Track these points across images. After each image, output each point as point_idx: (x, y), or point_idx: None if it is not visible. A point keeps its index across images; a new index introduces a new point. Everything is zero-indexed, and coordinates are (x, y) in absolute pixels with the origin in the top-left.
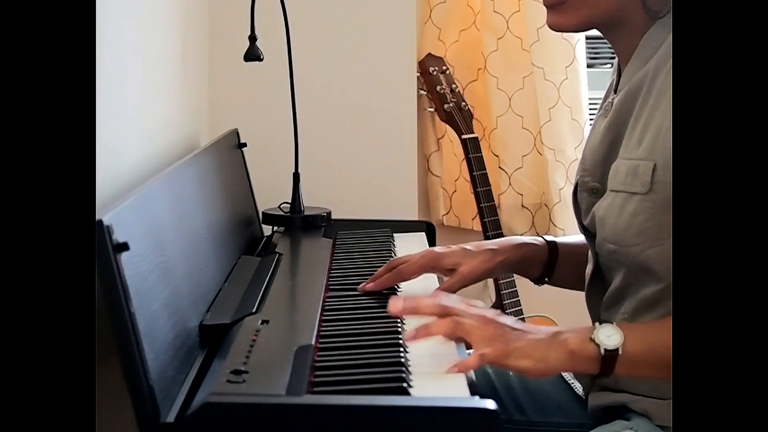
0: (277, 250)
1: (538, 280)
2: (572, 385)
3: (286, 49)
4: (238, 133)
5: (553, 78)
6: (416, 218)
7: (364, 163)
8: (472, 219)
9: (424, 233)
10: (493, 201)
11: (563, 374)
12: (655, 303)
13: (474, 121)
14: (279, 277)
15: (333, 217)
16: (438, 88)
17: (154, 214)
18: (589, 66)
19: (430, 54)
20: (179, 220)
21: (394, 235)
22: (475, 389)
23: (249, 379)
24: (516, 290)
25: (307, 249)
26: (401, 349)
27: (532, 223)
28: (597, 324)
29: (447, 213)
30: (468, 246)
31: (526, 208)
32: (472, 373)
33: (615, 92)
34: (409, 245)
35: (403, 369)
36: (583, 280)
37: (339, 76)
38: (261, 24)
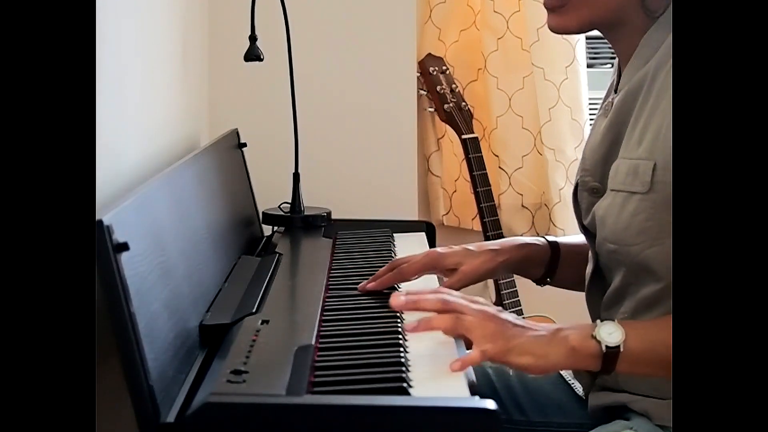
0: (277, 250)
1: (539, 281)
2: (572, 385)
3: (286, 49)
4: (238, 133)
5: (553, 78)
6: (416, 218)
7: (364, 163)
8: (472, 219)
9: (424, 233)
10: (493, 201)
11: (563, 374)
12: (655, 302)
13: (474, 121)
14: (279, 277)
15: (333, 217)
16: (438, 88)
17: (154, 214)
18: (589, 66)
19: (430, 54)
20: (179, 220)
21: (394, 235)
22: (475, 389)
23: (249, 379)
24: (516, 290)
25: (307, 249)
26: (401, 349)
27: (532, 223)
28: (598, 321)
29: (447, 213)
30: (470, 246)
31: (526, 208)
32: (472, 373)
33: (615, 92)
34: (409, 245)
35: (403, 369)
36: (584, 281)
37: (339, 76)
38: (261, 24)
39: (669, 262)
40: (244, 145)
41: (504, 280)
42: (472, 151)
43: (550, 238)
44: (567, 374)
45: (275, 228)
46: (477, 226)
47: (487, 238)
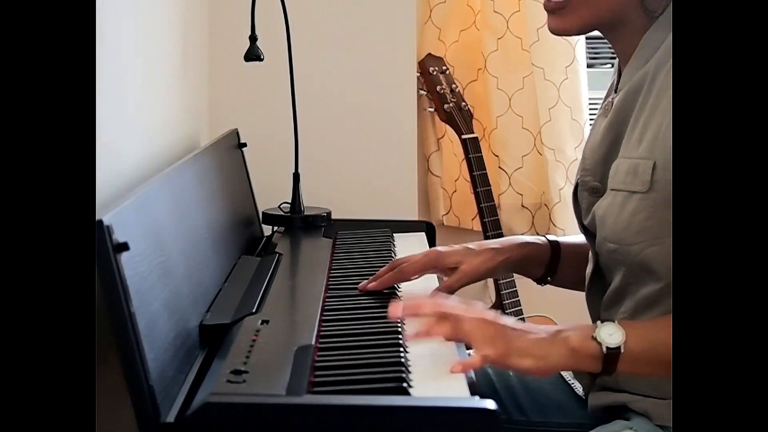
0: (277, 250)
1: (540, 280)
2: (572, 385)
3: (286, 49)
4: (238, 133)
5: (553, 78)
6: (416, 218)
7: (364, 163)
8: (472, 219)
9: (424, 233)
10: (493, 201)
11: (563, 374)
12: (655, 302)
13: (474, 121)
14: (279, 277)
15: (333, 217)
16: (438, 88)
17: (154, 214)
18: (589, 66)
19: (430, 54)
20: (179, 220)
21: (394, 235)
22: (475, 389)
23: (249, 379)
24: (516, 290)
25: (307, 249)
26: (401, 349)
27: (532, 223)
28: (598, 322)
29: (447, 213)
30: (470, 245)
31: (526, 208)
32: (472, 373)
33: (615, 92)
34: (409, 245)
35: (403, 369)
36: (585, 280)
37: (339, 76)
38: (261, 24)
39: (669, 262)
40: (244, 145)
41: (504, 280)
42: (472, 151)
43: (551, 238)
44: (567, 374)
45: (275, 228)
46: (477, 226)
47: (487, 238)
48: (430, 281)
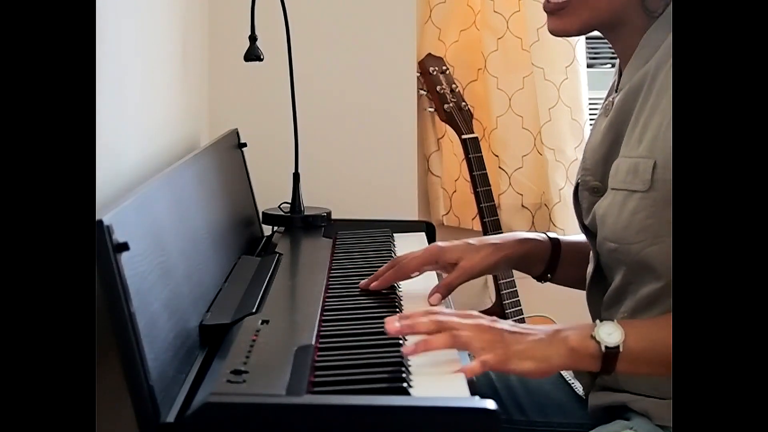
0: (277, 250)
1: (540, 278)
2: (572, 385)
3: (286, 49)
4: (238, 133)
5: (553, 78)
6: (416, 218)
7: (364, 163)
8: (472, 219)
9: (424, 233)
10: (493, 201)
11: (563, 374)
12: (655, 301)
13: (474, 121)
14: (279, 277)
15: (333, 217)
16: (438, 88)
17: (154, 214)
18: (589, 66)
19: (430, 54)
20: (179, 220)
21: (394, 235)
22: (475, 389)
23: (249, 379)
24: (516, 290)
25: (307, 249)
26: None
27: (532, 223)
28: (597, 321)
29: (447, 213)
30: (471, 241)
31: (526, 208)
32: None
33: (616, 92)
34: (409, 245)
35: (403, 369)
36: (585, 279)
37: (339, 76)
38: (261, 24)
39: (669, 261)
40: (244, 145)
41: (504, 280)
42: (472, 151)
43: (552, 235)
44: (567, 374)
45: (275, 228)
46: (477, 226)
47: None
48: (429, 280)
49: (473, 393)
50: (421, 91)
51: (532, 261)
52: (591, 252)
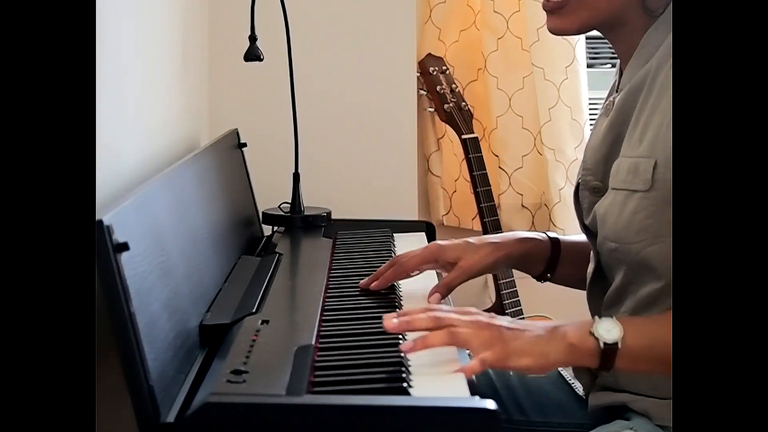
0: (277, 250)
1: (540, 277)
2: (572, 385)
3: (286, 49)
4: (238, 133)
5: (553, 78)
6: (416, 218)
7: (364, 163)
8: (472, 219)
9: (424, 233)
10: (493, 201)
11: (563, 374)
12: (656, 301)
13: (474, 121)
14: (279, 277)
15: (333, 217)
16: (438, 88)
17: (154, 214)
18: (589, 66)
19: (430, 54)
20: (179, 220)
21: (394, 235)
22: (475, 389)
23: (249, 379)
24: (516, 290)
25: (307, 249)
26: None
27: (532, 223)
28: (596, 318)
29: (447, 213)
30: (471, 240)
31: (526, 208)
32: None
33: (617, 91)
34: (409, 245)
35: (403, 369)
36: (585, 279)
37: (339, 76)
38: (261, 24)
39: (669, 261)
40: (244, 145)
41: (504, 280)
42: (472, 151)
43: (551, 234)
44: (567, 374)
45: (275, 228)
46: (477, 226)
47: None
48: (429, 279)
49: (473, 393)
50: (421, 91)
51: (531, 260)
52: (591, 252)
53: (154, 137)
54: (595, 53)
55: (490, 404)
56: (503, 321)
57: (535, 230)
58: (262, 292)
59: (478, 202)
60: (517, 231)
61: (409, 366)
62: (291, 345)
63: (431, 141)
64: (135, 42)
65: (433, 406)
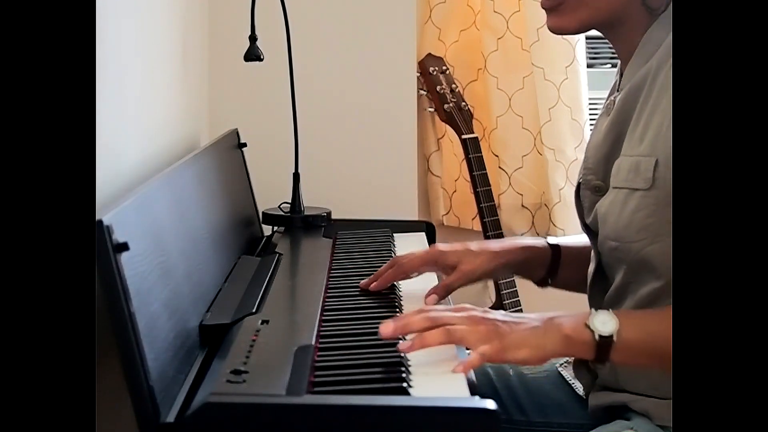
0: (277, 250)
1: (540, 283)
2: (572, 385)
3: (286, 49)
4: (238, 133)
5: (553, 78)
6: (416, 218)
7: (364, 163)
8: (472, 219)
9: (424, 233)
10: (493, 201)
11: (563, 374)
12: (656, 300)
13: (474, 121)
14: (279, 277)
15: (333, 217)
16: (438, 88)
17: (154, 214)
18: (589, 66)
19: (430, 54)
20: (179, 220)
21: (394, 235)
22: (475, 389)
23: (249, 379)
24: (516, 290)
25: (307, 249)
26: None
27: (532, 223)
28: (593, 310)
29: (447, 213)
30: (472, 245)
31: (526, 208)
32: (471, 373)
33: (618, 91)
34: (409, 245)
35: (403, 369)
36: (586, 282)
37: (339, 76)
38: (261, 24)
39: (669, 260)
40: (244, 145)
41: (504, 281)
42: (472, 151)
43: (552, 241)
44: (567, 374)
45: (275, 228)
46: (477, 226)
47: (487, 238)
48: (429, 280)
49: (473, 393)
50: (421, 91)
51: (532, 267)
52: (592, 251)
53: (154, 137)
54: (595, 53)
55: (490, 404)
56: (497, 315)
57: (535, 230)
58: (262, 292)
59: (478, 202)
60: (518, 238)
61: (409, 366)
62: (291, 345)
63: (431, 141)
64: (135, 42)
65: (433, 406)
